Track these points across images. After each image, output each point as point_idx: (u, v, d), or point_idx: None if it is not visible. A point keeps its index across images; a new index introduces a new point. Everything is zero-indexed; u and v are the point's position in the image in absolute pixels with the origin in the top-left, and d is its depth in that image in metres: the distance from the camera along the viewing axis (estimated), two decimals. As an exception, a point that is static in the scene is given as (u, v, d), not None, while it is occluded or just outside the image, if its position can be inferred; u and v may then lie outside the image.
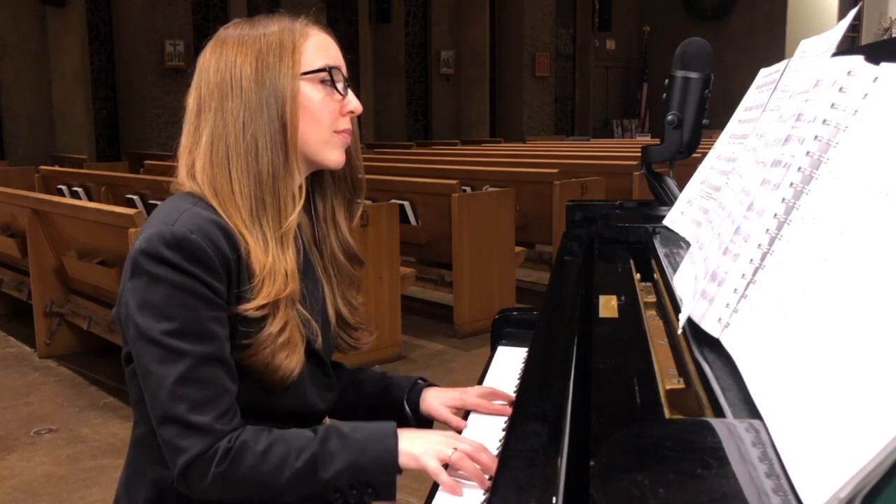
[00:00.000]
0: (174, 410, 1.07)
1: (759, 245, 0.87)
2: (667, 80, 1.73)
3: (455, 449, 1.11)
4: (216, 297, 1.10)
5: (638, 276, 1.41)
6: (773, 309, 0.78)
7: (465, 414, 1.36)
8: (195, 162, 1.19)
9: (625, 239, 1.64)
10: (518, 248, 5.18)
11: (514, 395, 1.34)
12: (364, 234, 4.19)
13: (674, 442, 0.68)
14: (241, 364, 1.14)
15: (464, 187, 5.26)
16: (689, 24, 16.44)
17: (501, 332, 1.71)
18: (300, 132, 1.19)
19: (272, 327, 1.14)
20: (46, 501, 2.94)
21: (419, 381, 1.42)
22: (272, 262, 1.15)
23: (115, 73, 11.23)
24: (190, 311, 1.08)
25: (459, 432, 1.26)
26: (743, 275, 0.88)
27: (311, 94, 1.19)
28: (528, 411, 1.00)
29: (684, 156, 1.75)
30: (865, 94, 0.79)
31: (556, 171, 5.69)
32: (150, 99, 10.91)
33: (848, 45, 1.37)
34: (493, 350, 1.67)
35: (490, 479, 1.06)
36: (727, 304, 0.89)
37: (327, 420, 1.36)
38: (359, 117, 1.28)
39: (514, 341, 1.67)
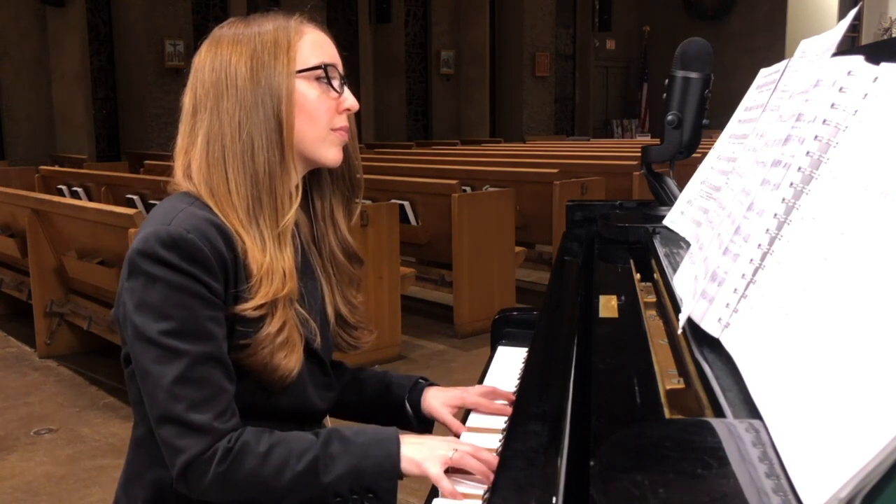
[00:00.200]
0: (172, 410, 1.07)
1: (759, 245, 0.87)
2: (667, 80, 1.73)
3: (456, 450, 1.11)
4: (213, 296, 1.10)
5: (638, 276, 1.41)
6: (773, 309, 0.78)
7: (466, 413, 1.36)
8: (191, 162, 1.18)
9: (625, 239, 1.64)
10: (518, 248, 5.18)
11: (514, 394, 1.33)
12: (364, 234, 4.19)
13: (674, 442, 0.68)
14: (239, 364, 1.14)
15: (464, 187, 5.26)
16: (689, 24, 16.44)
17: (501, 332, 1.71)
18: (296, 130, 1.18)
19: (270, 327, 1.14)
20: (46, 501, 2.94)
21: (420, 380, 1.42)
22: (269, 261, 1.15)
23: (115, 73, 11.22)
24: (187, 310, 1.08)
25: (458, 436, 1.26)
26: (743, 275, 0.88)
27: (307, 91, 1.19)
28: (528, 411, 0.99)
29: (684, 156, 1.75)
30: (865, 94, 0.79)
31: (556, 171, 5.69)
32: (150, 99, 10.91)
33: (848, 45, 1.37)
34: (493, 350, 1.67)
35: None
36: (727, 304, 0.89)
37: (328, 419, 1.36)
38: (359, 117, 1.28)
39: (514, 341, 1.67)
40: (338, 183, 1.32)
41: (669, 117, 1.71)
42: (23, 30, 10.21)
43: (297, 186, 1.21)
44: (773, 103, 1.15)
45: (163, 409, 1.07)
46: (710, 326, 0.91)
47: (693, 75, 1.69)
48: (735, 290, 0.88)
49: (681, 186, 1.63)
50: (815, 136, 0.83)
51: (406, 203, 5.01)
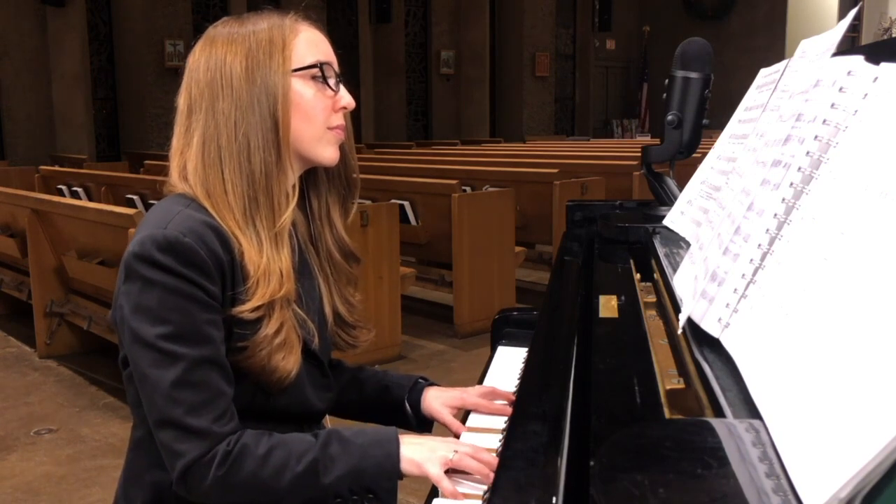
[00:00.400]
0: (171, 414, 1.06)
1: (759, 245, 0.87)
2: (667, 80, 1.73)
3: (456, 451, 1.11)
4: (210, 299, 1.09)
5: (638, 276, 1.41)
6: (773, 309, 0.78)
7: (466, 413, 1.36)
8: (187, 163, 1.17)
9: (625, 239, 1.64)
10: (518, 248, 5.18)
11: (514, 394, 1.33)
12: (364, 234, 4.19)
13: (674, 442, 0.68)
14: (237, 366, 1.13)
15: (464, 187, 5.26)
16: (689, 24, 16.44)
17: (501, 332, 1.71)
18: (292, 130, 1.18)
19: (268, 329, 1.14)
20: (46, 501, 2.94)
21: (420, 380, 1.42)
22: (266, 262, 1.14)
23: (115, 73, 11.22)
24: (184, 314, 1.07)
25: (458, 437, 1.26)
26: (743, 275, 0.88)
27: (303, 90, 1.18)
28: (528, 411, 0.99)
29: (684, 156, 1.75)
30: (865, 94, 0.79)
31: (556, 171, 5.69)
32: (150, 99, 10.91)
33: (848, 45, 1.37)
34: (493, 350, 1.67)
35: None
36: (727, 304, 0.89)
37: (327, 419, 1.36)
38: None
39: (514, 341, 1.67)
40: (334, 182, 1.31)
41: (669, 117, 1.71)
42: (23, 30, 10.22)
43: (293, 186, 1.20)
44: (773, 103, 1.15)
45: (161, 413, 1.07)
46: (710, 326, 0.90)
47: (693, 75, 1.69)
48: (735, 290, 0.88)
49: (681, 186, 1.63)
50: (815, 136, 0.83)
51: (406, 203, 5.01)
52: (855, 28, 15.04)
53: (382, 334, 4.32)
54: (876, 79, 0.79)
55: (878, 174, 0.70)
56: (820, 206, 0.78)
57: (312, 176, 1.30)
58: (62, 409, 3.84)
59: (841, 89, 0.83)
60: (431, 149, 10.46)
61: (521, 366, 1.48)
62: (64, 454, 3.33)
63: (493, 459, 1.09)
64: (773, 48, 15.16)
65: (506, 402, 1.34)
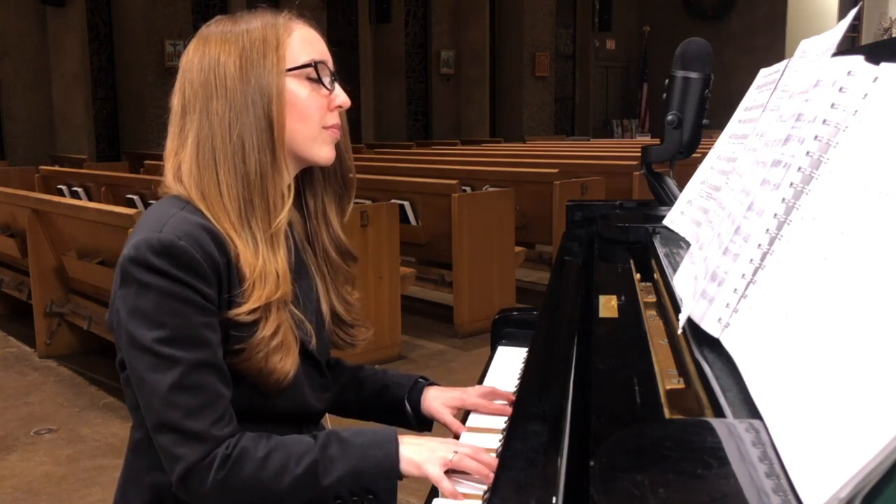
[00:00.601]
0: (169, 418, 1.06)
1: (759, 245, 0.87)
2: (667, 80, 1.73)
3: (455, 451, 1.11)
4: (207, 302, 1.09)
5: (638, 276, 1.41)
6: (773, 309, 0.78)
7: (466, 413, 1.36)
8: (181, 165, 1.16)
9: (625, 239, 1.64)
10: (518, 248, 5.18)
11: (514, 394, 1.33)
12: (364, 234, 4.19)
13: (674, 442, 0.68)
14: (235, 369, 1.13)
15: (464, 187, 5.26)
16: (689, 24, 16.44)
17: (501, 332, 1.71)
18: (288, 129, 1.17)
19: (265, 331, 1.13)
20: (46, 501, 2.94)
21: (420, 379, 1.42)
22: (262, 264, 1.13)
23: (115, 73, 11.22)
24: (181, 317, 1.07)
25: (457, 437, 1.26)
26: (743, 275, 0.88)
27: (298, 90, 1.17)
28: (528, 411, 0.99)
29: (684, 156, 1.75)
30: (865, 94, 0.79)
31: (556, 171, 5.69)
32: (150, 99, 10.90)
33: (848, 45, 1.37)
34: (493, 350, 1.67)
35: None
36: (727, 304, 0.89)
37: (327, 419, 1.36)
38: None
39: (514, 341, 1.67)
40: (330, 181, 1.30)
41: (669, 117, 1.71)
42: (23, 30, 10.21)
43: (289, 186, 1.19)
44: (773, 103, 1.15)
45: (160, 416, 1.07)
46: (710, 326, 0.90)
47: (693, 75, 1.69)
48: (735, 290, 0.88)
49: (681, 186, 1.63)
50: (815, 136, 0.83)
51: (406, 203, 5.01)
52: (855, 28, 15.04)
53: (382, 334, 4.32)
54: (876, 79, 0.79)
55: (878, 174, 0.70)
56: (820, 206, 0.78)
57: (308, 175, 1.29)
58: (62, 409, 3.84)
59: (841, 89, 0.83)
60: (431, 149, 10.46)
61: (521, 366, 1.48)
62: (64, 454, 3.33)
63: (493, 460, 1.09)
64: (773, 48, 15.16)
65: (506, 403, 1.34)
